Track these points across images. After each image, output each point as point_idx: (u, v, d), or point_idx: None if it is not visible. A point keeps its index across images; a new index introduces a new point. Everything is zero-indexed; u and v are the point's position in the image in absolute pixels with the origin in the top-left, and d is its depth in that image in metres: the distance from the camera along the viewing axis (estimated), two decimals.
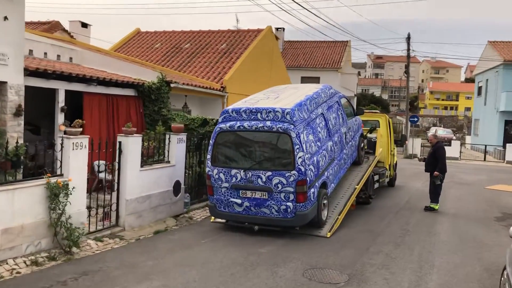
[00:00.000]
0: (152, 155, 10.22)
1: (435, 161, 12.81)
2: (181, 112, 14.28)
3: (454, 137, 46.36)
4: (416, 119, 33.35)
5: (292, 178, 8.93)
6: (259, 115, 9.35)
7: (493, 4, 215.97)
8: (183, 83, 15.07)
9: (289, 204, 9.01)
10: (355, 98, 44.38)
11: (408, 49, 33.32)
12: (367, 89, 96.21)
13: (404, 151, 32.23)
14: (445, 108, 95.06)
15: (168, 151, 10.56)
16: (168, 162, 10.56)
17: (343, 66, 43.45)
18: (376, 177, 14.44)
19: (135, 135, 9.31)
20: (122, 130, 9.26)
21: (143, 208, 9.61)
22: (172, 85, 14.25)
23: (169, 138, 10.57)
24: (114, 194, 9.16)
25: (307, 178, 9.00)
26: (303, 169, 8.92)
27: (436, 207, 12.85)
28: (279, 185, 9.01)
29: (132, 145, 9.16)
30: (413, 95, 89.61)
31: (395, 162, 17.64)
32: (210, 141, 9.77)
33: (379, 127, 15.70)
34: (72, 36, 23.96)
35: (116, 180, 9.13)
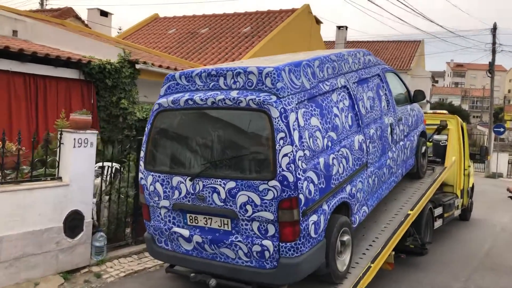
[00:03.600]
0: (14, 167, 5.91)
1: None
2: (146, 105, 10.00)
3: None
4: (502, 129, 26.90)
5: (270, 195, 4.46)
6: (221, 80, 4.90)
7: None
8: (160, 66, 10.77)
9: (266, 242, 4.56)
10: (428, 106, 38.07)
11: (494, 43, 26.98)
12: (445, 98, 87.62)
13: (486, 169, 26.03)
14: None
15: (59, 161, 6.24)
16: (59, 178, 6.24)
17: (415, 68, 37.54)
18: (438, 210, 9.28)
19: None
20: None
21: None
22: (138, 66, 10.06)
23: (60, 139, 6.25)
24: None
25: (300, 195, 4.47)
26: (291, 178, 4.42)
27: None
28: (249, 207, 4.56)
29: None
30: (498, 106, 79.96)
31: (470, 185, 12.22)
32: (146, 128, 5.36)
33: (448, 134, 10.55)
34: (86, 25, 20.91)
35: None
